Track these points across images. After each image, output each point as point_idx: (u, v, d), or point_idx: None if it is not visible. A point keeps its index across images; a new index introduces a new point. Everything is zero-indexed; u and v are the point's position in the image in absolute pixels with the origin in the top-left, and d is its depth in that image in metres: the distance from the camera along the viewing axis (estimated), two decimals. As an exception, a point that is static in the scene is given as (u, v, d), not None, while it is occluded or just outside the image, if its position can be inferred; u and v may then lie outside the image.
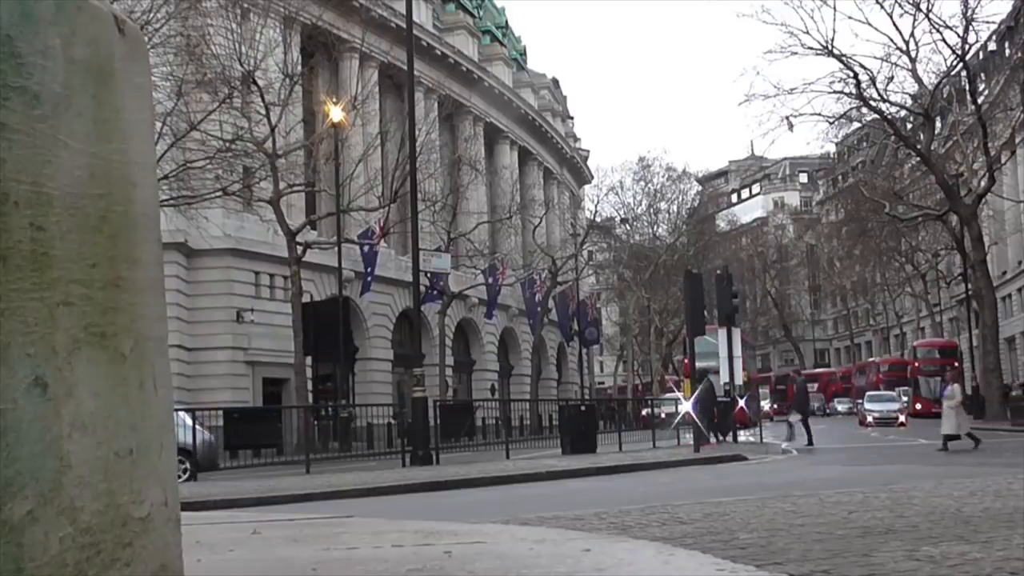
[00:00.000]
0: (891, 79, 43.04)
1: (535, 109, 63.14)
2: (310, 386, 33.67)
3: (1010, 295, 57.97)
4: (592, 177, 73.54)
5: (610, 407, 44.99)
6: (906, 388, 50.81)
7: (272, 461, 23.10)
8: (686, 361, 43.13)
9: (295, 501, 12.49)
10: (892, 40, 39.35)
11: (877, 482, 10.79)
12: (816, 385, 76.13)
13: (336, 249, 32.35)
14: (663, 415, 39.77)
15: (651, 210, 66.22)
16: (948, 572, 4.01)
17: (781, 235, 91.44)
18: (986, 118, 38.20)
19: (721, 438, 26.56)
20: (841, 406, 67.37)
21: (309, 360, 32.46)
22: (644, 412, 40.72)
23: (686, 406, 35.70)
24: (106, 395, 2.33)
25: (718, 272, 28.32)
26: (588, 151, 79.20)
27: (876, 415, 40.94)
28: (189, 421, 18.05)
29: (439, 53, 48.30)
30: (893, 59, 36.55)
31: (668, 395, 48.70)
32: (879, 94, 36.71)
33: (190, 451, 17.37)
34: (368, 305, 40.17)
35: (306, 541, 5.19)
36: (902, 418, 37.64)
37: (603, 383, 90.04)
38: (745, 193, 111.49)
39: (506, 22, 67.96)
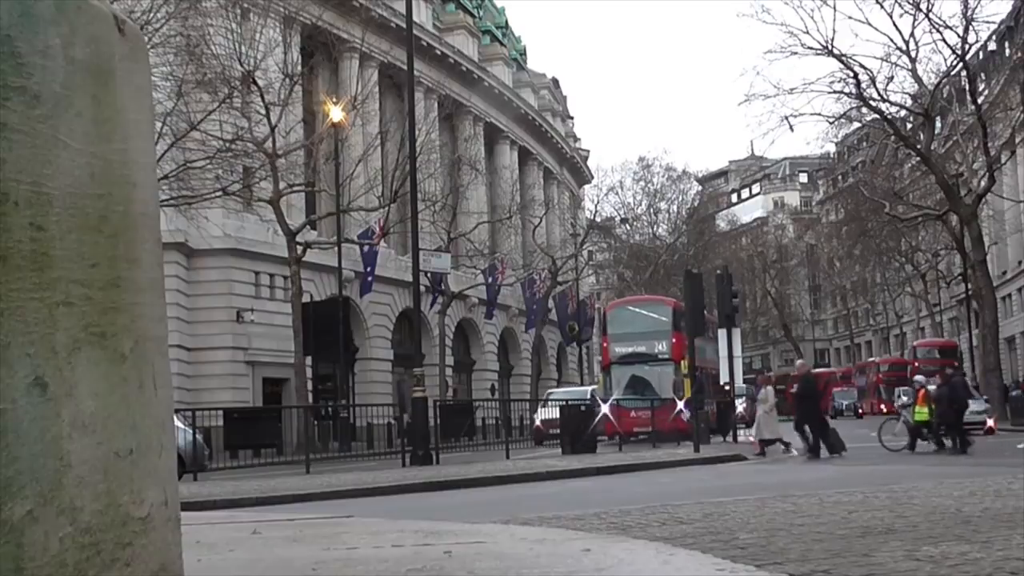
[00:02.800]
0: (891, 79, 43.12)
1: (535, 109, 63.12)
2: (310, 386, 33.68)
3: (1010, 295, 57.97)
4: (592, 177, 73.53)
5: None
6: (906, 388, 50.72)
7: (272, 461, 23.11)
8: (604, 344, 34.13)
9: (295, 501, 12.50)
10: (892, 40, 39.27)
11: (877, 482, 10.80)
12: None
13: (336, 249, 32.36)
14: (539, 423, 30.04)
15: (651, 210, 66.29)
16: (948, 572, 4.01)
17: (781, 235, 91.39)
18: (986, 118, 38.17)
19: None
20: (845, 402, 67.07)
21: (309, 360, 32.46)
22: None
23: (604, 408, 29.36)
24: (106, 395, 2.33)
25: (718, 272, 28.29)
26: (588, 151, 79.17)
27: None
28: (177, 422, 18.00)
29: (439, 53, 48.29)
30: (893, 59, 36.51)
31: (558, 391, 38.29)
32: (879, 94, 36.69)
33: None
34: (368, 305, 40.17)
35: (306, 541, 5.19)
36: (991, 422, 28.02)
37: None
38: (745, 193, 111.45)
39: (506, 22, 67.94)
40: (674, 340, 30.81)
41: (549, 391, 36.78)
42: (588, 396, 30.73)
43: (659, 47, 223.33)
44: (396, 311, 43.03)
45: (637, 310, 34.27)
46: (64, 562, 2.18)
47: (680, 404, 28.01)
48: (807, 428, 20.60)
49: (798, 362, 24.92)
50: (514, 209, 49.78)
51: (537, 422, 30.73)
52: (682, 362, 29.24)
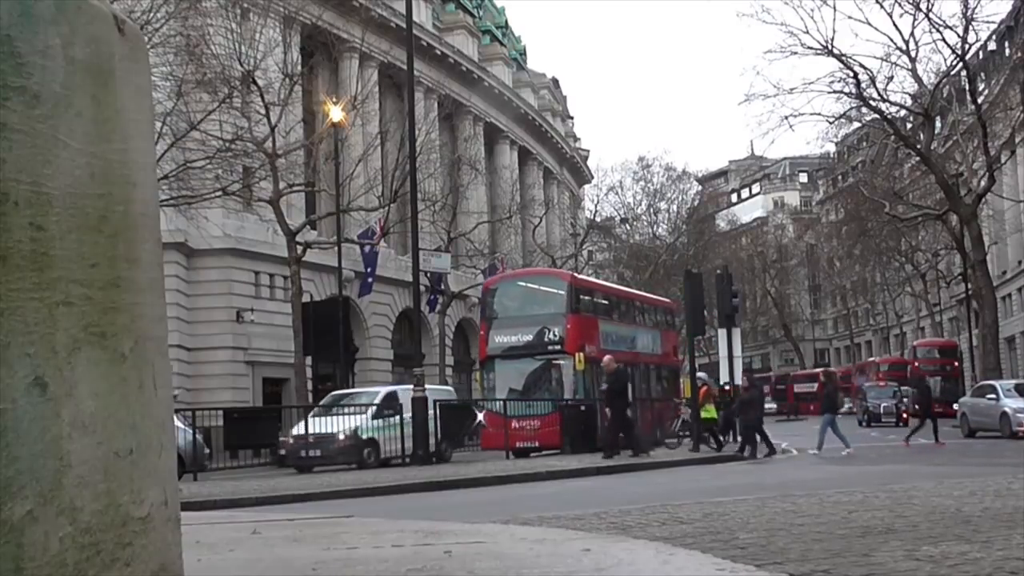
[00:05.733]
0: (891, 79, 43.11)
1: (535, 109, 63.13)
2: (310, 386, 33.69)
3: (1010, 295, 57.97)
4: (592, 177, 73.56)
5: None
6: (906, 388, 50.62)
7: (272, 461, 23.10)
8: (482, 331, 26.48)
9: (295, 501, 12.51)
10: (892, 40, 39.32)
11: (877, 482, 10.80)
12: (815, 385, 75.94)
13: (336, 249, 32.36)
14: (290, 440, 21.65)
15: (651, 210, 66.24)
16: (948, 572, 4.00)
17: (781, 235, 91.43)
18: (986, 118, 38.15)
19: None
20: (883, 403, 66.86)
21: (309, 360, 32.48)
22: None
23: (479, 416, 23.64)
24: (106, 395, 2.33)
25: (718, 272, 28.11)
26: (588, 151, 79.27)
27: None
28: (177, 422, 17.88)
29: (439, 53, 48.30)
30: (893, 59, 36.52)
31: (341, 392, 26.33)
32: (879, 94, 36.69)
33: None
34: (368, 305, 40.17)
35: (306, 541, 5.19)
36: None
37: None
38: (745, 193, 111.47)
39: (506, 22, 67.96)
40: (569, 325, 24.87)
41: (333, 394, 25.29)
42: (379, 399, 23.00)
43: (659, 47, 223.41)
44: (396, 311, 43.02)
45: (525, 284, 27.79)
46: (64, 562, 2.18)
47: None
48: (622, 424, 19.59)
49: (606, 358, 21.24)
50: (514, 209, 49.77)
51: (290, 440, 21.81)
52: (578, 354, 23.95)
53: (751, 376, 23.96)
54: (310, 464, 20.96)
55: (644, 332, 28.91)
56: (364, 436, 21.70)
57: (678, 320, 34.24)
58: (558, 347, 24.43)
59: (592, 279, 35.99)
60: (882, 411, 45.01)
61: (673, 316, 33.86)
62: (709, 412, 22.16)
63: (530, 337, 24.65)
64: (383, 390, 24.62)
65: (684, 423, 24.05)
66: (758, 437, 21.30)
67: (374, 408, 22.47)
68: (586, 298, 26.87)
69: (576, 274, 30.63)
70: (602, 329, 26.38)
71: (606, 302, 28.81)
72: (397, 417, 21.67)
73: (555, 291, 26.04)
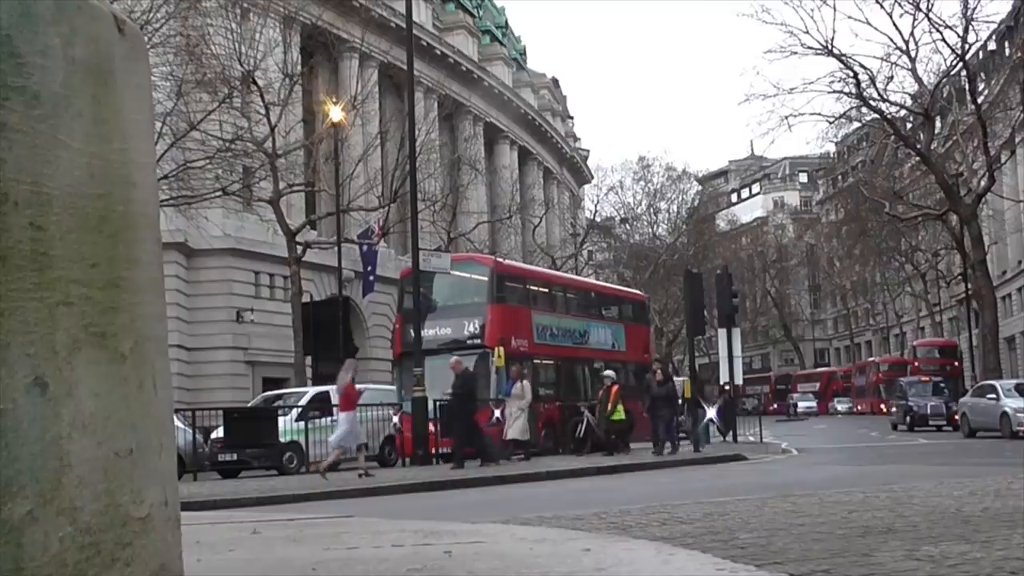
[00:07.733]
0: (891, 79, 42.93)
1: (535, 109, 63.14)
2: (310, 386, 33.69)
3: (1010, 295, 57.97)
4: (592, 177, 73.59)
5: None
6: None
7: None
8: (398, 324, 24.37)
9: (295, 501, 12.51)
10: (892, 40, 39.20)
11: (877, 482, 10.79)
12: (818, 385, 76.08)
13: (336, 249, 32.36)
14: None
15: (651, 210, 66.23)
16: (948, 572, 4.00)
17: (781, 235, 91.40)
18: (986, 118, 38.13)
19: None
20: (841, 406, 67.30)
21: (309, 360, 32.48)
22: None
23: (394, 418, 21.67)
24: (106, 395, 2.33)
25: (718, 272, 27.99)
26: (588, 151, 79.31)
27: None
28: (177, 422, 17.81)
29: (439, 53, 48.31)
30: (893, 59, 36.49)
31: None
32: (879, 94, 36.68)
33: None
34: (368, 305, 40.17)
35: (306, 541, 5.19)
36: None
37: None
38: (745, 193, 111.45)
39: (506, 22, 68.00)
40: (490, 316, 22.51)
41: (263, 395, 24.14)
42: (305, 400, 21.13)
43: (659, 47, 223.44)
44: (396, 311, 42.99)
45: (462, 272, 24.77)
46: (64, 562, 2.18)
47: (497, 411, 20.06)
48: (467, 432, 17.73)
49: (452, 359, 19.09)
50: (514, 209, 49.78)
51: None
52: (498, 349, 21.18)
53: (664, 369, 22.83)
54: (234, 469, 19.70)
55: (601, 326, 26.61)
56: (285, 439, 20.13)
57: (666, 317, 32.90)
58: (478, 341, 21.87)
59: (527, 265, 33.19)
60: (930, 412, 36.26)
61: (644, 309, 31.21)
62: (618, 414, 20.74)
63: (449, 330, 22.27)
64: (312, 390, 22.86)
65: (588, 427, 22.03)
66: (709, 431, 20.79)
67: (298, 410, 20.71)
68: (515, 286, 24.45)
69: (501, 259, 27.31)
70: (537, 321, 23.99)
71: (544, 291, 26.17)
72: (327, 419, 20.04)
73: (477, 278, 23.58)
